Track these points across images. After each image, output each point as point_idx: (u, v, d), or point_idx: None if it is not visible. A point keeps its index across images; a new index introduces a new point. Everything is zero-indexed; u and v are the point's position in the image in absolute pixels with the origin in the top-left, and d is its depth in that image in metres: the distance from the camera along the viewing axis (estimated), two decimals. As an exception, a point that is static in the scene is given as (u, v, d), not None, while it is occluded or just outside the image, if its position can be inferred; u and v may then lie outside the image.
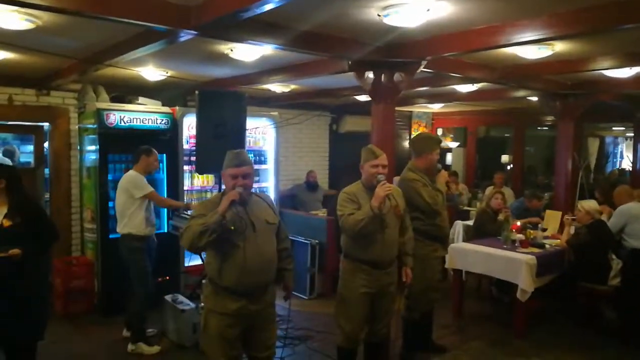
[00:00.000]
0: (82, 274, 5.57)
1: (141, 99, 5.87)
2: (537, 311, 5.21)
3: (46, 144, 6.58)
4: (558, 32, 3.12)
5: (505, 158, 11.35)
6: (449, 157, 11.44)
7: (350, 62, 4.05)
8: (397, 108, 9.29)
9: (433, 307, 4.37)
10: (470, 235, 6.27)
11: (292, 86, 6.51)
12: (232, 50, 4.17)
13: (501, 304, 5.83)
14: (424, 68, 4.16)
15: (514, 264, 4.86)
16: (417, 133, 4.07)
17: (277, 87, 6.41)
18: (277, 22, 3.33)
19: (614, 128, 12.68)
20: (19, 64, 5.14)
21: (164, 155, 5.68)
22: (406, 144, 10.47)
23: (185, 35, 3.22)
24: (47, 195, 6.61)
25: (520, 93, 6.56)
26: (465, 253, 5.31)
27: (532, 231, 5.60)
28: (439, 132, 11.06)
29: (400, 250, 3.57)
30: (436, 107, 9.29)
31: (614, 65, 4.39)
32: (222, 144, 4.55)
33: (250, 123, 6.49)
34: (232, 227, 2.77)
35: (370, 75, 4.07)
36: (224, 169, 2.92)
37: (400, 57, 3.87)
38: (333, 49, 3.71)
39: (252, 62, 4.55)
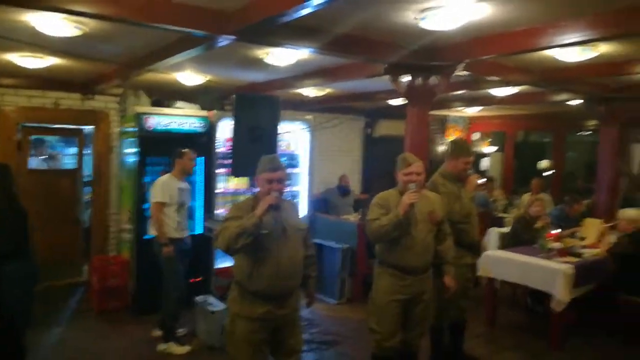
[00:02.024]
0: (118, 273, 5.74)
1: (179, 103, 6.02)
2: (574, 323, 5.03)
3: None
4: (602, 32, 3.02)
5: (543, 163, 11.03)
6: (486, 162, 11.23)
7: (386, 66, 4.03)
8: (431, 112, 9.27)
9: (464, 316, 4.28)
10: (506, 242, 6.12)
11: (327, 90, 6.54)
12: (267, 54, 4.23)
13: (536, 314, 5.67)
14: (461, 71, 4.10)
15: (550, 273, 4.71)
16: (454, 138, 3.98)
17: (311, 91, 6.45)
18: (313, 25, 3.35)
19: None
20: (66, 69, 5.36)
21: (202, 158, 5.79)
22: (439, 148, 10.34)
23: (224, 41, 3.28)
24: (87, 197, 6.87)
25: (562, 96, 6.37)
26: (499, 261, 5.19)
27: (569, 240, 5.43)
28: (476, 136, 10.86)
29: (439, 259, 3.54)
30: (473, 111, 9.13)
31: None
32: (257, 147, 4.63)
33: (285, 127, 6.58)
34: (266, 231, 2.81)
35: (405, 78, 4.04)
36: (258, 173, 2.96)
37: (436, 60, 3.83)
38: (368, 52, 3.71)
39: (286, 67, 4.59)
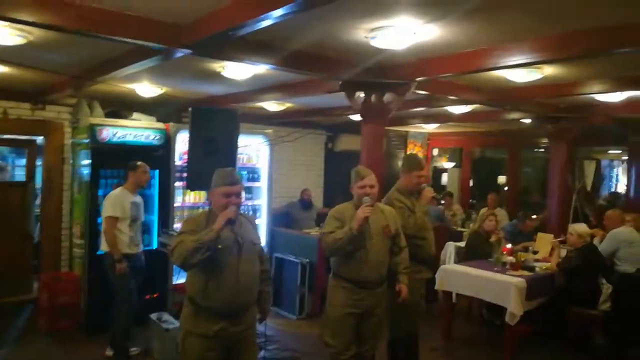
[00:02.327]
0: (69, 290, 5.51)
1: (135, 115, 5.90)
2: (529, 335, 5.16)
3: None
4: (546, 56, 3.16)
5: (501, 179, 11.37)
6: (444, 178, 11.47)
7: (341, 83, 4.08)
8: (392, 128, 9.45)
9: (417, 330, 4.30)
10: (462, 256, 6.24)
11: (287, 104, 6.55)
12: (223, 68, 4.21)
13: (492, 327, 5.76)
14: (415, 89, 4.19)
15: (503, 287, 4.82)
16: (406, 154, 4.06)
17: (272, 105, 6.44)
18: (268, 41, 3.38)
19: (610, 151, 12.72)
20: (14, 78, 5.18)
21: (157, 171, 5.68)
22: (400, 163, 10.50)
23: (177, 54, 3.25)
24: (37, 210, 6.61)
25: (514, 115, 6.60)
26: (456, 275, 5.28)
27: (522, 254, 5.58)
28: (435, 152, 11.10)
29: (393, 270, 3.55)
30: (431, 128, 9.34)
31: (604, 90, 4.43)
32: (213, 161, 4.58)
33: (245, 140, 6.52)
34: (220, 246, 2.76)
35: (360, 95, 4.10)
36: (213, 187, 2.91)
37: (390, 78, 3.91)
38: (323, 69, 3.75)
39: (244, 81, 4.58)
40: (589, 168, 12.64)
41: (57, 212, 6.40)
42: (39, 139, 6.49)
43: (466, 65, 3.49)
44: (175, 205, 5.94)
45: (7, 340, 5.11)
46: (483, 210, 8.51)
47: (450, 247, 6.59)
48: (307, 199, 8.37)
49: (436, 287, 5.35)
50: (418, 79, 3.90)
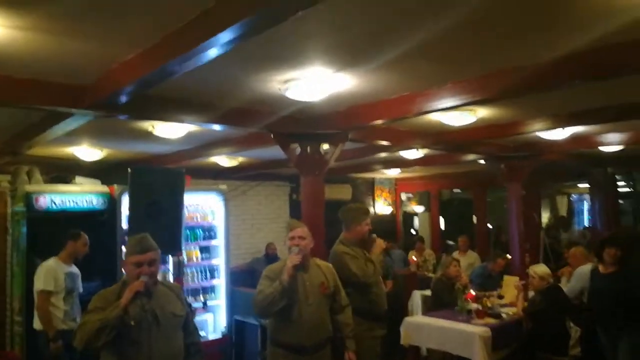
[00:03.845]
0: (7, 372, 5.09)
1: (78, 179, 5.68)
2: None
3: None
4: (467, 98, 3.12)
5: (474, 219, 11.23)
6: (416, 222, 11.32)
7: (272, 135, 3.96)
8: (358, 175, 9.36)
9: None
10: (429, 306, 5.99)
11: (239, 159, 6.40)
12: (154, 127, 4.07)
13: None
14: (353, 138, 4.08)
15: (467, 338, 4.57)
16: (346, 205, 3.89)
17: (223, 160, 6.29)
18: (184, 98, 3.27)
19: (580, 184, 12.76)
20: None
21: (101, 236, 5.40)
22: (370, 210, 10.36)
23: (83, 116, 3.10)
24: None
25: (469, 157, 6.55)
26: (419, 326, 5.03)
27: (488, 299, 5.35)
28: (403, 197, 11.00)
29: (338, 334, 3.33)
30: (394, 173, 9.27)
31: (545, 127, 4.39)
32: (156, 223, 4.43)
33: (198, 198, 6.34)
34: (133, 322, 2.51)
35: (296, 147, 3.97)
36: (125, 256, 2.74)
37: (322, 128, 3.80)
38: (245, 122, 3.65)
39: (180, 139, 4.45)
40: (561, 202, 12.65)
41: (0, 286, 6.03)
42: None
43: (393, 112, 3.43)
44: (121, 270, 5.63)
45: None
46: (455, 254, 8.35)
47: (416, 297, 6.34)
48: (272, 253, 8.11)
49: (401, 341, 5.06)
50: (350, 128, 3.79)
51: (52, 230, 5.07)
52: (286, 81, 2.86)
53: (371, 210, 10.30)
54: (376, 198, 10.41)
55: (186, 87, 2.69)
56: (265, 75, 2.84)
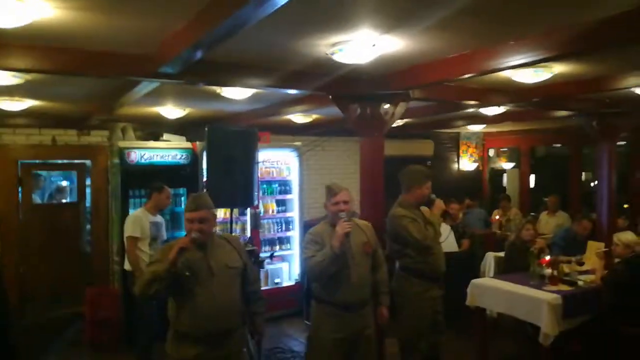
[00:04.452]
0: (109, 305, 5.82)
1: (165, 135, 6.13)
2: (578, 354, 4.65)
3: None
4: (536, 55, 2.83)
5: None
6: (504, 180, 10.80)
7: (331, 97, 3.95)
8: (442, 130, 9.02)
9: (437, 353, 4.05)
10: (502, 268, 5.81)
11: (314, 116, 6.48)
12: (221, 89, 4.25)
13: (538, 344, 5.29)
14: (417, 97, 3.97)
15: (535, 304, 4.40)
16: (406, 166, 3.84)
17: (298, 117, 6.41)
18: (239, 63, 3.36)
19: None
20: (56, 108, 5.55)
21: (185, 189, 5.86)
22: (454, 167, 10.02)
23: (150, 84, 3.32)
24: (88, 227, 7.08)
25: (559, 113, 6.04)
26: (487, 289, 4.91)
27: (567, 265, 5.07)
28: (491, 152, 10.47)
29: (374, 289, 3.40)
30: (479, 128, 8.81)
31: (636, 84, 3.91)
32: (231, 179, 4.64)
33: (273, 154, 6.59)
34: (187, 274, 2.76)
35: (356, 107, 3.94)
36: (184, 212, 2.93)
37: (379, 89, 3.72)
38: (305, 85, 3.66)
39: (246, 99, 4.61)
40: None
41: (104, 230, 6.80)
42: (88, 162, 6.96)
43: (454, 70, 3.23)
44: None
45: (51, 352, 5.50)
46: (543, 214, 7.91)
47: (490, 258, 6.16)
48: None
49: (467, 302, 5.02)
50: (410, 87, 3.67)
51: (141, 182, 5.61)
52: (333, 44, 2.83)
53: (454, 166, 9.98)
54: (461, 154, 10.00)
55: (237, 53, 2.77)
56: (312, 39, 2.82)
